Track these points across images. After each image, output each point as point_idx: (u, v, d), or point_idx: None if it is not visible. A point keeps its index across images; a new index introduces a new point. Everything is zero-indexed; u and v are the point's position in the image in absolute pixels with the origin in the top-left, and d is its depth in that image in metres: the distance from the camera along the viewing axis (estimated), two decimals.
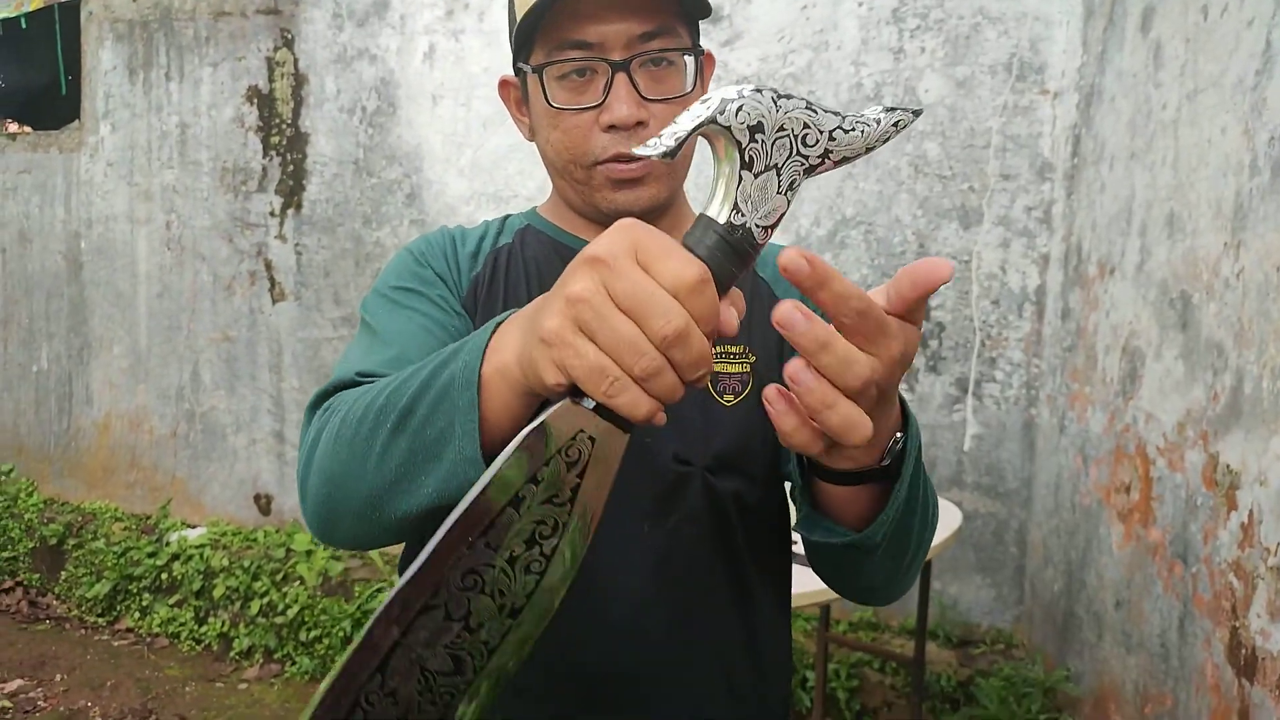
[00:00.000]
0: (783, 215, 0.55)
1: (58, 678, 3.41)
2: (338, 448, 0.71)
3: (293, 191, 3.92)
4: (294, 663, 3.49)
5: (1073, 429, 2.73)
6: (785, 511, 1.01)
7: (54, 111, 4.93)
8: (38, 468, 4.58)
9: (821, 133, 0.54)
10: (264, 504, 4.07)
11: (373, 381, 0.77)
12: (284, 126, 3.91)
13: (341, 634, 3.44)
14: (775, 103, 0.54)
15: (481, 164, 3.62)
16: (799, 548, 0.93)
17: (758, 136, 0.54)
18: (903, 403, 0.66)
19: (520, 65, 0.93)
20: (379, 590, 3.52)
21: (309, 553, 3.76)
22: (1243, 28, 1.86)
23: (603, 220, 0.92)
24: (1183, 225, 2.09)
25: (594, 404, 0.54)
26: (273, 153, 3.94)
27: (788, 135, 0.54)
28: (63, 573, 4.12)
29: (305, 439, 0.77)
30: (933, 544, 2.18)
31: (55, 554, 4.16)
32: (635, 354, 0.51)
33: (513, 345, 0.60)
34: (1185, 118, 2.11)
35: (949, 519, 2.41)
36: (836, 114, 0.55)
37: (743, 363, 0.94)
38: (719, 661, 0.92)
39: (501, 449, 0.55)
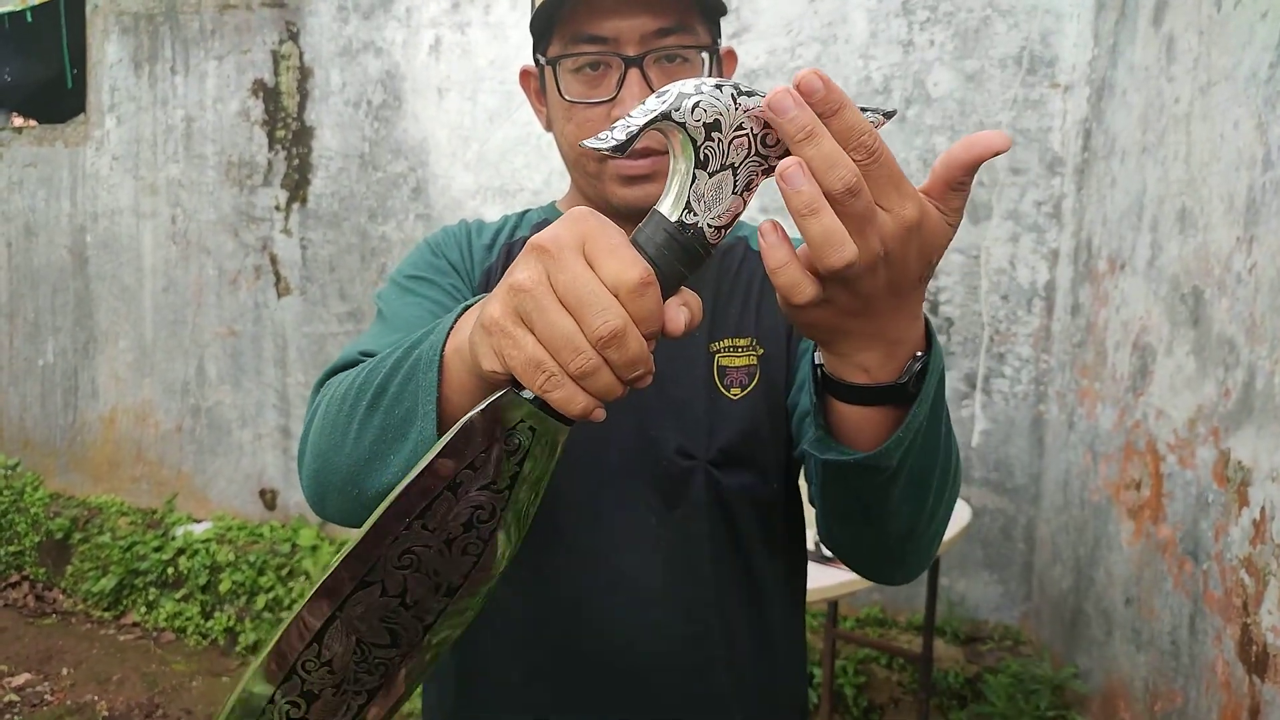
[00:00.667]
0: (738, 216, 0.54)
1: (64, 672, 3.42)
2: (324, 424, 0.73)
3: (298, 185, 3.91)
4: None
5: (1082, 425, 2.71)
6: (798, 506, 0.99)
7: (59, 105, 4.93)
8: (44, 462, 4.59)
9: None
10: (269, 499, 4.07)
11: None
12: (289, 120, 3.90)
13: None
14: (735, 100, 0.52)
15: (488, 157, 3.60)
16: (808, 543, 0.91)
17: (714, 134, 0.52)
18: (928, 325, 0.63)
19: (537, 57, 0.93)
20: None
21: (314, 548, 3.76)
22: (1256, 20, 1.85)
23: (614, 214, 0.91)
24: (1194, 220, 2.07)
25: (533, 395, 0.54)
26: (278, 146, 3.93)
27: (746, 134, 0.52)
28: (69, 567, 4.12)
29: (306, 416, 0.80)
30: (942, 540, 2.18)
31: (61, 548, 4.17)
32: (571, 351, 0.50)
33: (467, 328, 0.61)
34: (1198, 112, 2.09)
35: (957, 515, 2.40)
36: None
37: (750, 355, 0.93)
38: (729, 655, 0.91)
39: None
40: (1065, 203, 2.91)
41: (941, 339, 3.03)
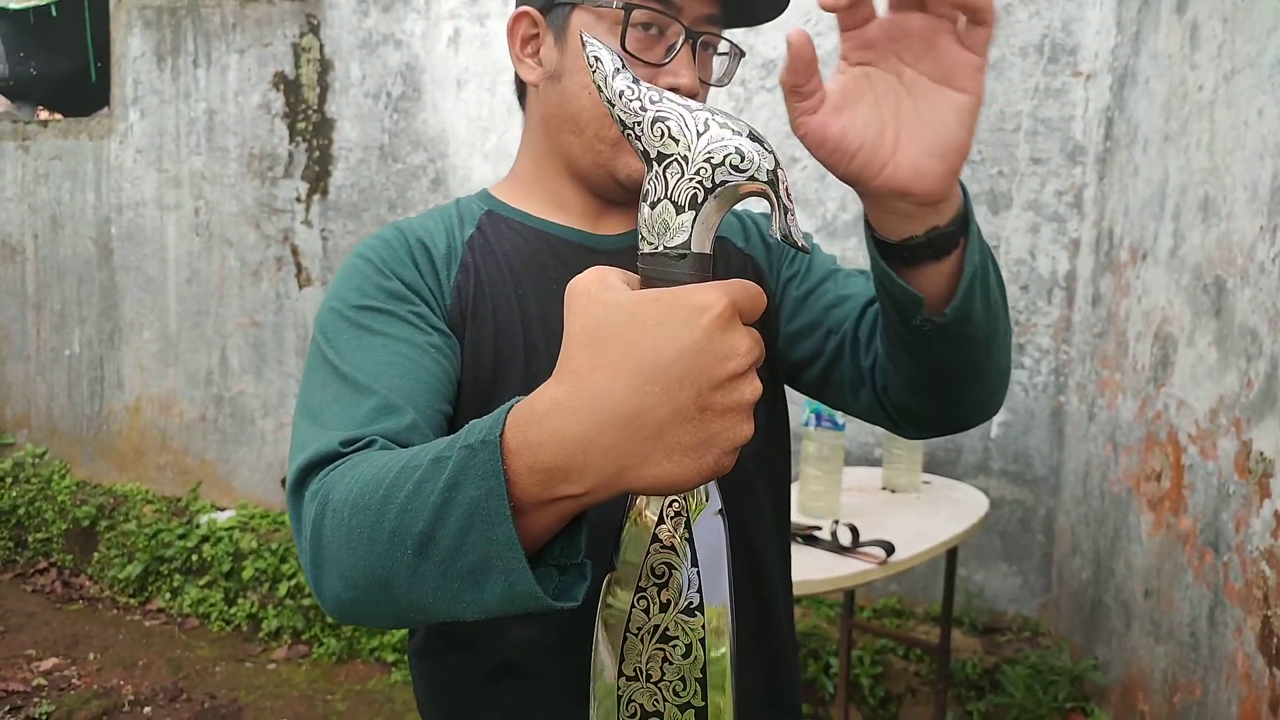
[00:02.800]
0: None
1: (91, 657, 3.47)
2: (350, 556, 0.60)
3: (319, 177, 3.94)
4: (321, 644, 3.53)
5: (1102, 416, 2.70)
6: (786, 484, 1.02)
7: (84, 98, 4.98)
8: (70, 451, 4.65)
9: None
10: None
11: (361, 445, 0.69)
12: (310, 112, 3.93)
13: None
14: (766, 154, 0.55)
15: (506, 149, 3.62)
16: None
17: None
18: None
19: (570, 0, 0.86)
20: None
21: None
22: None
23: (619, 187, 0.89)
24: (1217, 209, 2.05)
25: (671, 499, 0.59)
26: (299, 138, 3.96)
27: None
28: (95, 554, 4.18)
29: (301, 528, 0.67)
30: (959, 530, 2.18)
31: (88, 536, 4.23)
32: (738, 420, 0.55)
33: (535, 440, 0.54)
34: (1222, 99, 2.07)
35: (975, 505, 2.39)
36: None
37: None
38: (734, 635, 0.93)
39: (546, 553, 0.58)
40: (1087, 192, 2.89)
41: None
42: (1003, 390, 0.86)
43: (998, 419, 3.03)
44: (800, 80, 0.60)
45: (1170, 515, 2.23)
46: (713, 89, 0.94)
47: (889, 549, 1.93)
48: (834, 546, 1.95)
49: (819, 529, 2.01)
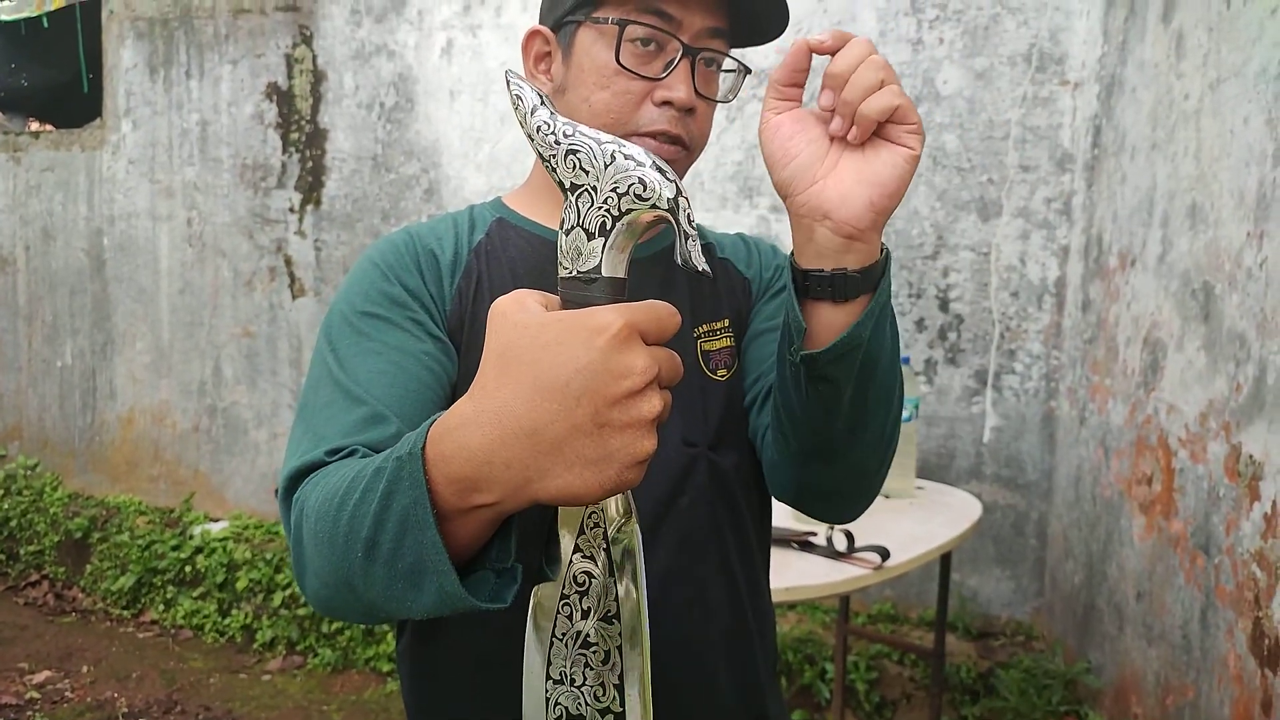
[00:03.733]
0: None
1: (84, 669, 3.46)
2: (319, 557, 0.66)
3: (312, 188, 3.94)
4: (316, 655, 3.53)
5: (1093, 421, 2.72)
6: (765, 500, 1.04)
7: (76, 110, 4.98)
8: (62, 462, 4.64)
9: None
10: None
11: (344, 455, 0.74)
12: (303, 123, 3.94)
13: (363, 626, 3.47)
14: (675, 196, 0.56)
15: (499, 159, 3.63)
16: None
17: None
18: (888, 253, 0.74)
19: (574, 18, 0.90)
20: None
21: None
22: (1266, 16, 1.85)
23: None
24: (1205, 216, 2.08)
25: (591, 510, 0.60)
26: (292, 149, 3.97)
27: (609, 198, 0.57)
28: (88, 566, 4.17)
29: (288, 531, 0.73)
30: (952, 535, 2.19)
31: (80, 547, 4.21)
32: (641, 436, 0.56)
33: (451, 449, 0.58)
34: (1208, 108, 2.10)
35: (969, 511, 2.41)
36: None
37: (726, 337, 0.97)
38: (727, 629, 0.95)
39: (479, 559, 0.62)
40: (1075, 199, 2.92)
41: (952, 336, 3.05)
42: (860, 496, 0.87)
43: (990, 424, 3.05)
44: (787, 81, 0.72)
45: (1161, 519, 2.25)
46: (719, 104, 0.95)
47: (884, 554, 1.94)
48: (829, 552, 1.96)
49: (814, 535, 2.02)
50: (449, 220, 0.97)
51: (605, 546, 0.59)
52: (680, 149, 0.88)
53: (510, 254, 0.94)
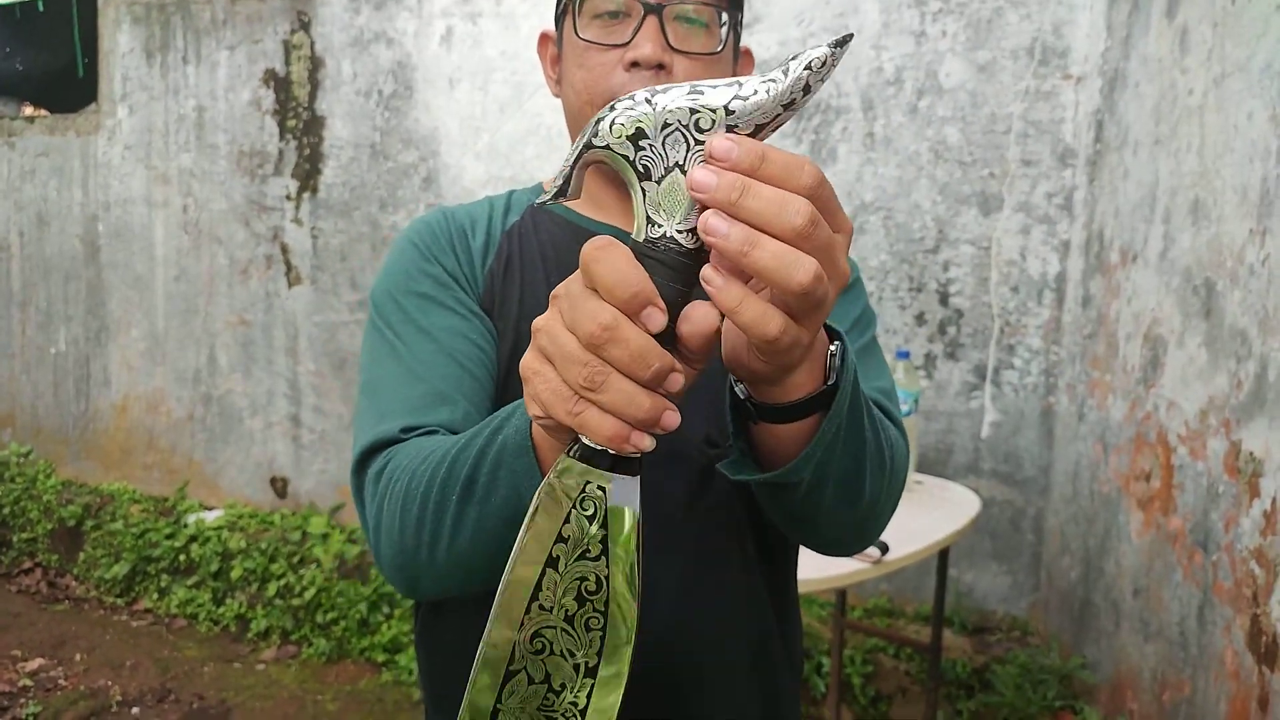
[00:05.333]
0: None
1: (77, 657, 3.45)
2: (405, 522, 0.72)
3: (309, 175, 3.92)
4: (311, 644, 3.52)
5: (1092, 417, 2.72)
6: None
7: (71, 94, 4.93)
8: (56, 450, 4.62)
9: (714, 110, 0.50)
10: (280, 487, 4.09)
11: (419, 434, 0.78)
12: (300, 110, 3.91)
13: (358, 616, 3.47)
14: (650, 102, 0.50)
15: (498, 148, 3.61)
16: None
17: (642, 143, 0.50)
18: (830, 328, 0.64)
19: (560, 12, 0.93)
20: None
21: (325, 535, 3.79)
22: (1271, 11, 1.84)
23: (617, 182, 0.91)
24: (1207, 212, 2.07)
25: (579, 452, 0.53)
26: (289, 136, 3.94)
27: (676, 128, 0.50)
28: (81, 554, 4.15)
29: (367, 507, 0.78)
30: (950, 530, 2.19)
31: (74, 535, 4.20)
32: (576, 365, 0.49)
33: None
34: (1211, 103, 2.09)
35: (966, 506, 2.41)
36: (734, 83, 0.51)
37: None
38: (752, 637, 0.92)
39: None
40: (1077, 194, 2.91)
41: (951, 330, 3.04)
42: (854, 545, 0.84)
43: (989, 419, 3.05)
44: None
45: (1160, 515, 2.25)
46: (713, 57, 0.89)
47: (883, 548, 1.94)
48: None
49: None
50: (486, 203, 0.99)
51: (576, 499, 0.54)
52: None
53: (542, 236, 0.95)
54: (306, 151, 3.92)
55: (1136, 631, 2.33)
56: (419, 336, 0.86)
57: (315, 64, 3.87)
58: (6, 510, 4.38)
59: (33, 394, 4.66)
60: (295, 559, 3.72)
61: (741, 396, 0.65)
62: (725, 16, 0.89)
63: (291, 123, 3.93)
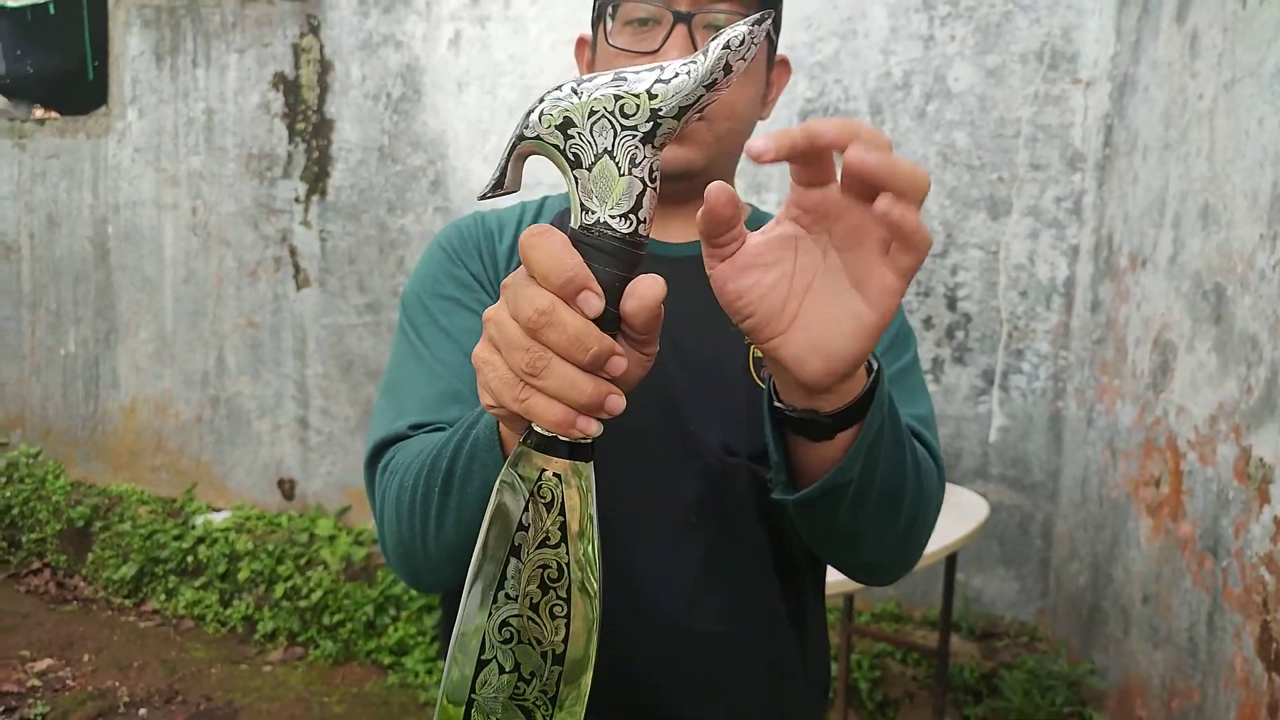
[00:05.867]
0: (643, 194, 0.52)
1: (85, 658, 3.46)
2: (400, 514, 0.76)
3: (317, 178, 3.93)
4: (317, 646, 3.52)
5: (1101, 422, 2.71)
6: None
7: (81, 97, 4.97)
8: (65, 451, 4.63)
9: (638, 95, 0.51)
10: (287, 489, 4.10)
11: (427, 431, 0.81)
12: (309, 113, 3.93)
13: (365, 618, 3.47)
14: (576, 92, 0.52)
15: None
16: None
17: (571, 131, 0.52)
18: (876, 374, 0.67)
19: (594, 16, 0.94)
20: None
21: (332, 538, 3.79)
22: None
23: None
24: (1217, 217, 2.07)
25: (534, 440, 0.54)
26: (298, 139, 3.96)
27: (602, 115, 0.51)
28: (90, 555, 4.16)
29: (374, 499, 0.82)
30: (958, 535, 2.18)
31: (82, 536, 4.21)
32: (518, 350, 0.51)
33: None
34: (1222, 108, 2.08)
35: (974, 510, 2.40)
36: (657, 68, 0.52)
37: None
38: (766, 654, 0.90)
39: None
40: (1086, 199, 2.90)
41: (959, 335, 3.03)
42: (894, 570, 0.85)
43: (996, 424, 3.04)
44: (715, 234, 0.58)
45: (1169, 521, 2.24)
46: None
47: None
48: None
49: None
50: (519, 207, 1.00)
51: (532, 489, 0.55)
52: (695, 122, 0.87)
53: None
54: (315, 154, 3.93)
55: (1145, 638, 2.32)
56: (440, 337, 0.88)
57: (324, 67, 3.88)
58: (16, 511, 4.40)
59: (42, 395, 4.68)
60: (302, 561, 3.72)
61: (790, 412, 0.66)
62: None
63: (300, 126, 3.95)
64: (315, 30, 3.88)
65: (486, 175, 3.65)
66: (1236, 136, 2.00)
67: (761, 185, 3.25)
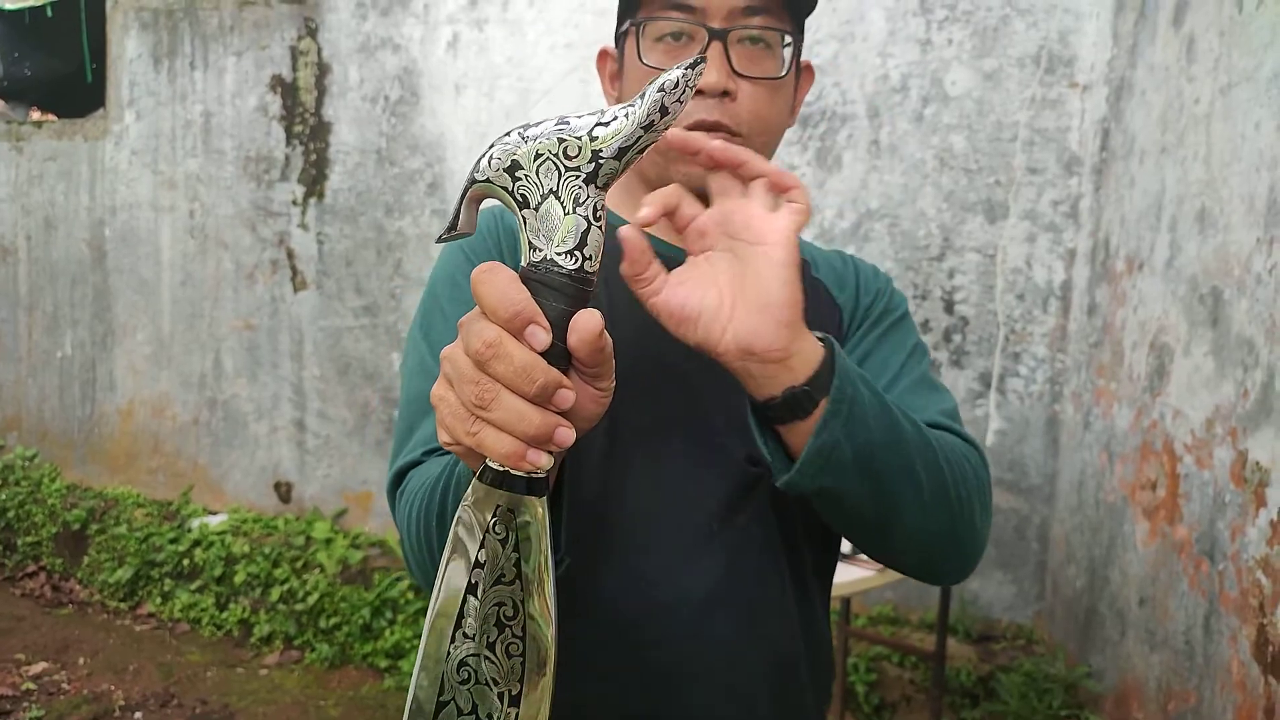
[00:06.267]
0: (587, 231, 0.55)
1: (81, 661, 3.45)
2: (413, 540, 0.78)
3: (315, 180, 3.93)
4: (313, 649, 3.52)
5: (1098, 425, 2.71)
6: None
7: (79, 99, 4.97)
8: (61, 453, 4.62)
9: (580, 138, 0.54)
10: (284, 492, 4.10)
11: (437, 455, 0.82)
12: (307, 116, 3.93)
13: (360, 621, 3.46)
14: (523, 137, 0.54)
15: None
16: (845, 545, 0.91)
17: (518, 174, 0.54)
18: (830, 344, 0.71)
19: (622, 30, 0.92)
20: (398, 579, 3.53)
21: (328, 541, 3.79)
22: (1278, 21, 1.84)
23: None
24: (1214, 221, 2.07)
25: (489, 477, 0.55)
26: (296, 142, 3.96)
27: (548, 158, 0.54)
28: (85, 558, 4.16)
29: (397, 525, 0.84)
30: (984, 537, 2.17)
31: (78, 539, 4.20)
32: (468, 383, 0.53)
33: None
34: (1218, 112, 2.09)
35: None
36: (597, 113, 0.55)
37: None
38: (778, 660, 0.91)
39: None
40: (1083, 202, 2.91)
41: (956, 338, 3.04)
42: (948, 559, 0.84)
43: (993, 427, 3.05)
44: (639, 270, 0.68)
45: (1165, 524, 2.24)
46: (777, 82, 0.89)
47: None
48: None
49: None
50: None
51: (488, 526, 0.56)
52: (725, 135, 0.85)
53: None
54: (313, 157, 3.93)
55: (1142, 641, 2.33)
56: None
57: (322, 70, 3.88)
58: (11, 514, 4.39)
59: (39, 397, 4.67)
60: (299, 564, 3.72)
61: (770, 403, 0.70)
62: (789, 39, 0.89)
63: (298, 128, 3.95)
64: (313, 33, 3.88)
65: None
66: (1233, 141, 2.00)
67: None
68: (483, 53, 3.62)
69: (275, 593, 3.65)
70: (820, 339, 0.71)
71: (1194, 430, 2.11)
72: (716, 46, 0.85)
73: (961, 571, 0.86)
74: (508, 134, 0.55)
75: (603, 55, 1.00)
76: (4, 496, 4.43)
